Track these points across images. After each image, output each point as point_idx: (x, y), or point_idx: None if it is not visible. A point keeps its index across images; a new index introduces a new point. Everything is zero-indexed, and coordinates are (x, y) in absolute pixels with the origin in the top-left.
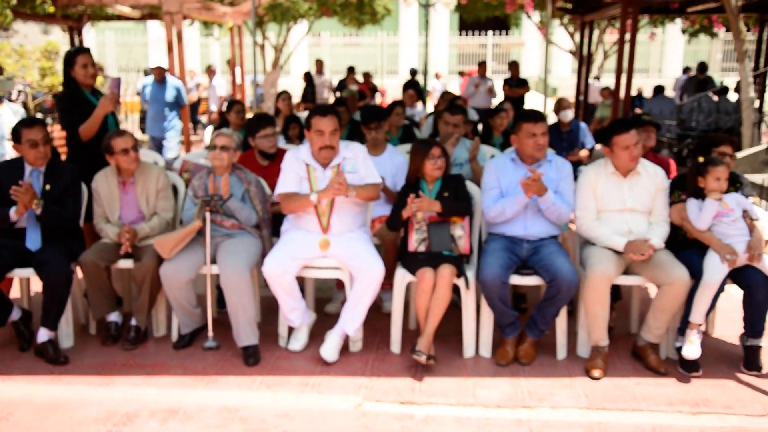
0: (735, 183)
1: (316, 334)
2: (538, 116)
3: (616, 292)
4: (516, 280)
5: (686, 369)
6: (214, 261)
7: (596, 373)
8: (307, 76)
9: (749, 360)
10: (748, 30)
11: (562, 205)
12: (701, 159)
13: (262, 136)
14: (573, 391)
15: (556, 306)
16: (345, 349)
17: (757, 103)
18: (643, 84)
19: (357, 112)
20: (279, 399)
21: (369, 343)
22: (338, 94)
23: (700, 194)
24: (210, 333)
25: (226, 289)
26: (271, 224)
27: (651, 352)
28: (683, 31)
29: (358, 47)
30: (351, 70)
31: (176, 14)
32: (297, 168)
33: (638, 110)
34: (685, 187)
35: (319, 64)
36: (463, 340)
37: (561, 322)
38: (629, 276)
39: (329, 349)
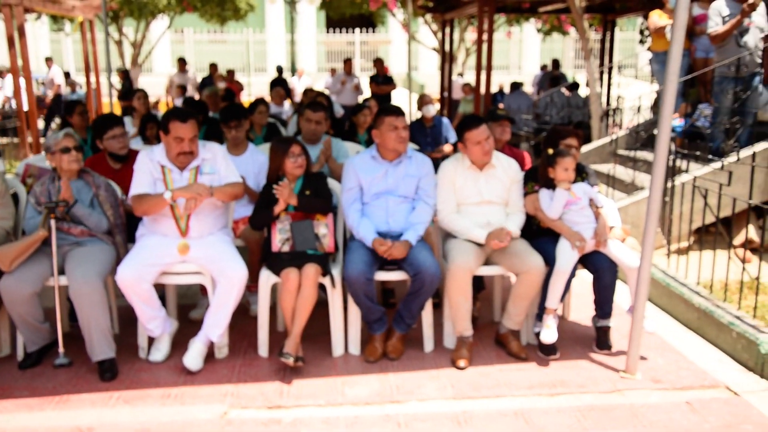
0: (581, 173)
1: (180, 343)
2: (398, 110)
3: (479, 282)
4: (381, 276)
5: (545, 353)
6: (62, 271)
7: (461, 362)
8: (124, 74)
9: (600, 340)
10: (594, 29)
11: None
12: (550, 151)
13: (110, 138)
14: (440, 383)
15: (421, 299)
16: (210, 356)
17: (605, 98)
18: (505, 80)
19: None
20: (138, 414)
21: (236, 348)
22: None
23: (551, 185)
24: (61, 349)
25: (76, 300)
26: (126, 229)
27: (512, 339)
28: (538, 30)
29: (224, 44)
30: (214, 67)
31: (16, 6)
32: (151, 169)
33: (501, 105)
34: (537, 179)
35: (182, 62)
36: (331, 339)
37: (427, 315)
38: (490, 266)
39: (192, 357)
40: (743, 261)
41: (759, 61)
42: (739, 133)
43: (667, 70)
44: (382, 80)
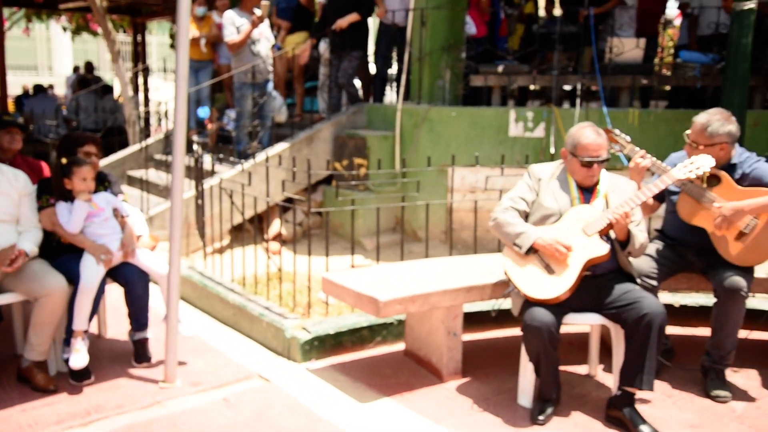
0: (103, 182)
1: None
2: None
3: None
4: None
5: (77, 379)
6: None
7: None
8: None
9: (139, 353)
10: (124, 31)
11: None
12: (64, 160)
13: None
14: None
15: None
16: None
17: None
18: (33, 82)
19: None
20: None
21: None
22: None
23: (69, 196)
24: None
25: None
26: None
27: (38, 372)
28: (64, 29)
29: None
30: None
31: None
32: None
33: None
34: (52, 191)
35: None
36: None
37: None
38: (4, 294)
39: None
40: (273, 254)
41: (270, 69)
42: (260, 135)
43: (176, 74)
44: None
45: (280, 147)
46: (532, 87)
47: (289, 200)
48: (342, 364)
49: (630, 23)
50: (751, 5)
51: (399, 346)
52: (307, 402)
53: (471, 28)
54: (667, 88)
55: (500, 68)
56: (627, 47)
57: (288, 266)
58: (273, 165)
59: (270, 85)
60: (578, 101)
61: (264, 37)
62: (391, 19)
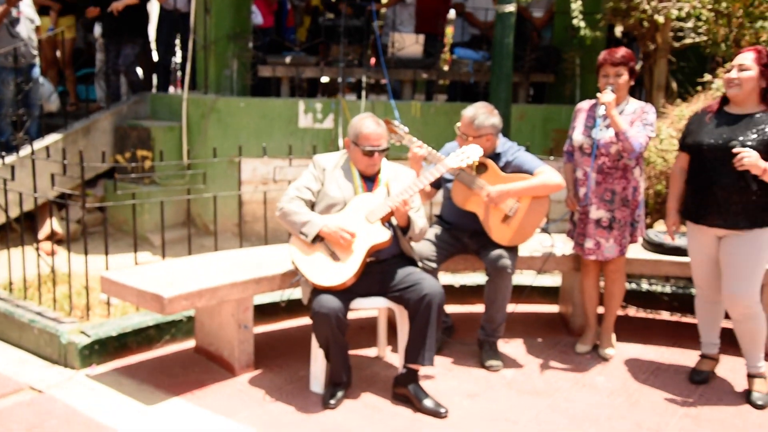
0: None
1: None
2: None
3: None
4: None
5: None
6: None
7: None
8: None
9: None
10: None
11: None
12: None
13: None
14: None
15: None
16: None
17: None
18: None
19: None
20: None
21: None
22: None
23: None
24: None
25: None
26: None
27: None
28: None
29: None
30: None
31: None
32: None
33: None
34: None
35: None
36: None
37: None
38: None
39: None
40: (47, 255)
41: (35, 52)
42: (27, 125)
43: None
44: None
45: (52, 138)
46: (326, 79)
47: (65, 196)
48: (127, 367)
49: (410, 20)
50: (511, 8)
51: (190, 344)
52: (86, 410)
53: (257, 17)
54: (446, 82)
55: (288, 59)
56: (407, 43)
57: (65, 267)
58: (41, 157)
59: (36, 71)
60: (363, 93)
61: (25, 17)
62: (173, 4)
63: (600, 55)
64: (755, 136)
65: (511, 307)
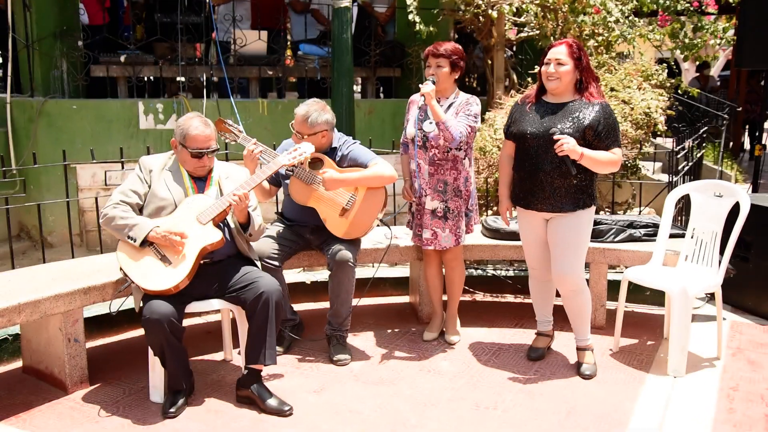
0: None
1: None
2: None
3: None
4: None
5: None
6: None
7: None
8: None
9: None
10: None
11: None
12: None
13: None
14: None
15: None
16: None
17: None
18: None
19: None
20: None
21: None
22: None
23: None
24: None
25: None
26: None
27: None
28: None
29: None
30: None
31: None
32: None
33: None
34: None
35: None
36: None
37: None
38: None
39: None
40: None
41: None
42: None
43: None
44: None
45: None
46: (180, 79)
47: None
48: None
49: (247, 15)
50: (346, 3)
51: (17, 364)
52: None
53: (83, 16)
54: (293, 79)
55: (123, 58)
56: (250, 39)
57: None
58: None
59: None
60: (205, 92)
61: None
62: None
63: (426, 48)
64: (571, 123)
65: (360, 300)
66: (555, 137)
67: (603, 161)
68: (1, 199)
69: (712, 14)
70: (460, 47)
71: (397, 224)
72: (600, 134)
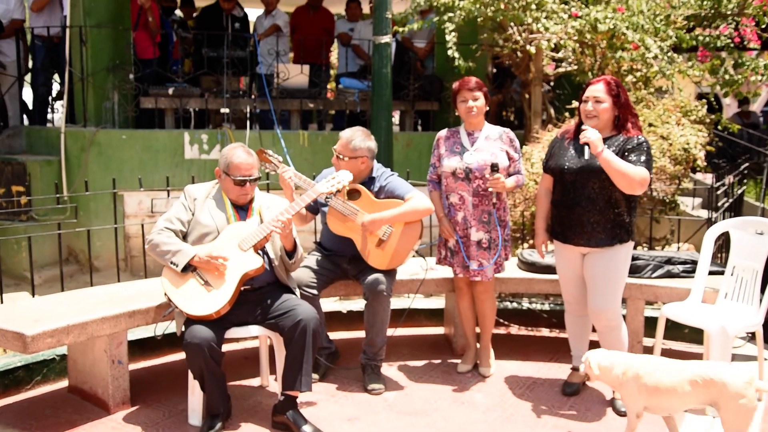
0: None
1: None
2: None
3: None
4: None
5: None
6: None
7: None
8: None
9: None
10: None
11: None
12: None
13: None
14: None
15: None
16: None
17: None
18: None
19: None
20: None
21: None
22: None
23: None
24: None
25: None
26: None
27: None
28: None
29: None
30: None
31: None
32: None
33: None
34: None
35: None
36: None
37: None
38: None
39: None
40: None
41: None
42: None
43: None
44: None
45: None
46: (224, 110)
47: None
48: None
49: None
50: (387, 39)
51: (63, 384)
52: None
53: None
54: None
55: (171, 90)
56: (292, 72)
57: None
58: None
59: None
60: (248, 123)
61: None
62: (47, 32)
63: (454, 84)
64: None
65: (395, 330)
66: (581, 135)
67: (621, 169)
68: (53, 225)
69: (755, 50)
70: (481, 81)
71: (433, 255)
72: (627, 152)
